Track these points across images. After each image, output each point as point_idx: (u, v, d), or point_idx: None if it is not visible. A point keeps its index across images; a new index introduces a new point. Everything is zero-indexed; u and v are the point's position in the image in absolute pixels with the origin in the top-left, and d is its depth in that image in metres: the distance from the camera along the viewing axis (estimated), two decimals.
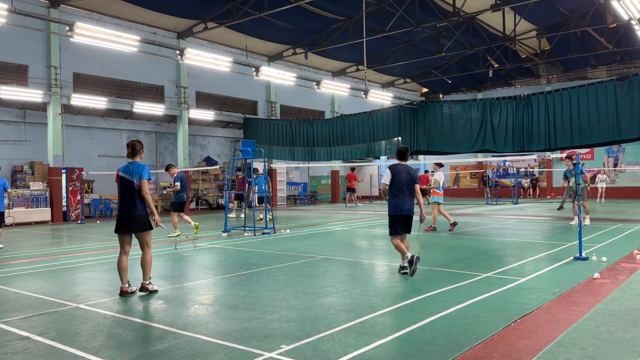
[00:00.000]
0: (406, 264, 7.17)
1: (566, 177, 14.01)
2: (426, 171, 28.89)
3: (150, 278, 6.42)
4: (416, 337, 4.46)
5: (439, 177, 13.48)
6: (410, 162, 7.93)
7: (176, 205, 12.79)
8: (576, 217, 13.64)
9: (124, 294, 6.25)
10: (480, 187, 33.69)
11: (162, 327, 4.90)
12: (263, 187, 16.00)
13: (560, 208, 15.30)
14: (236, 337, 4.53)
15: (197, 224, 12.94)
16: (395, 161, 7.69)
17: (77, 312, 5.56)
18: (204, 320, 5.17)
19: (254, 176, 14.69)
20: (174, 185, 12.63)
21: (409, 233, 7.45)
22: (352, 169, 26.53)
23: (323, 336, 4.50)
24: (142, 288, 6.33)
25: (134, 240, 6.51)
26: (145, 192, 6.27)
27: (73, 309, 5.69)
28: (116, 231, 6.37)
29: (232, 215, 16.09)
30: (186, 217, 13.06)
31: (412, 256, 7.02)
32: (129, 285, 6.34)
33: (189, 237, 11.56)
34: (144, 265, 6.35)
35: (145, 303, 5.97)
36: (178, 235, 11.72)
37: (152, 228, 6.40)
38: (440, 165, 14.14)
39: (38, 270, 8.28)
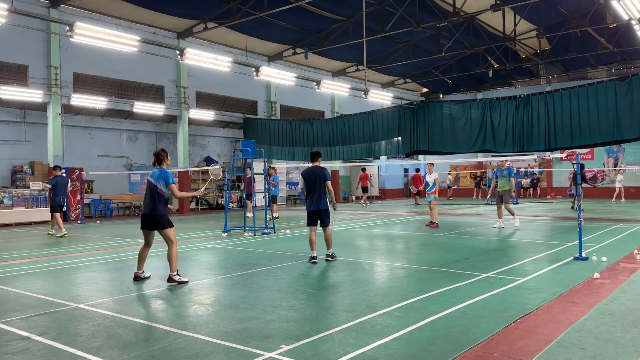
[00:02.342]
0: (315, 255, 8.41)
1: (497, 177, 14.27)
2: (416, 170, 28.94)
3: (177, 270, 6.96)
4: (416, 337, 4.46)
5: (435, 177, 14.35)
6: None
7: (51, 206, 13.86)
8: (500, 220, 13.97)
9: (137, 279, 7.08)
10: (479, 188, 33.65)
11: (162, 327, 4.89)
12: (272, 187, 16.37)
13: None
14: (236, 337, 4.53)
15: (64, 233, 13.47)
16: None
17: (77, 312, 5.56)
18: (204, 320, 5.17)
19: (269, 175, 15.15)
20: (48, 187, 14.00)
21: (326, 225, 8.53)
22: (363, 169, 27.17)
23: (323, 336, 4.50)
24: (169, 279, 6.88)
25: (159, 237, 7.16)
26: (175, 193, 6.95)
27: (73, 309, 5.69)
28: (141, 227, 7.09)
29: (250, 214, 16.11)
30: (59, 220, 13.58)
31: (331, 254, 8.61)
32: (143, 272, 7.16)
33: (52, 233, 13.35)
34: (169, 258, 6.92)
35: (145, 303, 5.97)
36: (64, 235, 13.22)
37: (171, 226, 7.00)
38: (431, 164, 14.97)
39: (38, 270, 8.28)
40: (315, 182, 8.39)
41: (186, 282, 6.87)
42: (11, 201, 17.32)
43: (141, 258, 7.12)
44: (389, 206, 25.93)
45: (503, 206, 13.90)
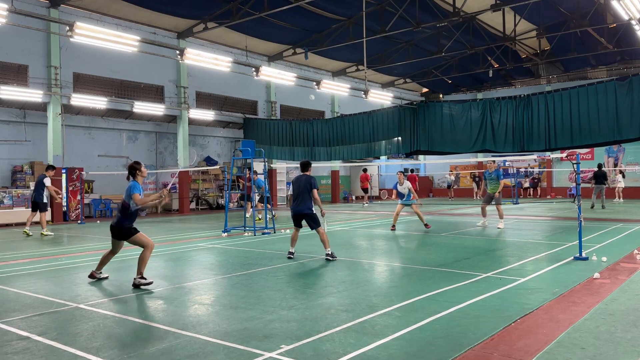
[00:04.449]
0: (293, 251, 9.03)
1: (485, 179, 14.18)
2: (411, 170, 28.97)
3: (142, 273, 6.81)
4: (416, 337, 4.46)
5: (409, 187, 13.80)
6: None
7: (33, 204, 14.15)
8: (484, 219, 14.04)
9: (92, 277, 7.29)
10: (479, 189, 33.66)
11: (162, 327, 4.89)
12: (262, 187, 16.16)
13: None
14: (236, 337, 4.53)
15: (41, 232, 13.73)
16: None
17: (77, 312, 5.56)
18: (204, 320, 5.17)
19: (254, 177, 14.92)
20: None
21: (312, 228, 9.03)
22: (364, 170, 27.55)
23: (323, 336, 4.50)
24: (134, 284, 6.79)
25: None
26: (136, 202, 6.84)
27: (73, 309, 5.69)
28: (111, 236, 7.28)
29: (249, 215, 16.16)
30: (43, 219, 13.93)
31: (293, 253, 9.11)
32: (101, 272, 7.34)
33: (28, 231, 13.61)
34: (139, 260, 6.87)
35: (145, 303, 5.97)
36: (44, 234, 13.53)
37: (135, 233, 6.96)
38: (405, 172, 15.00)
39: (38, 270, 8.28)
40: (302, 189, 8.91)
41: (150, 283, 6.76)
42: (11, 201, 17.33)
43: (102, 261, 7.30)
44: (389, 206, 25.93)
45: (487, 206, 14.05)
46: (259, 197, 16.80)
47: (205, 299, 6.14)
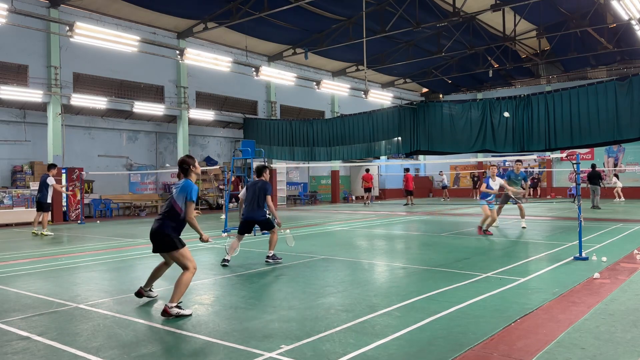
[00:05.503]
0: (229, 259, 8.41)
1: (509, 179, 13.64)
2: (406, 170, 29.08)
3: (180, 302, 5.34)
4: (416, 337, 4.46)
5: (501, 182, 12.83)
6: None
7: (38, 204, 14.13)
8: (496, 220, 13.70)
9: (139, 295, 5.94)
10: (475, 189, 33.67)
11: (162, 327, 4.89)
12: None
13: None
14: (236, 337, 4.53)
15: (41, 232, 13.81)
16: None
17: (77, 312, 5.56)
18: (204, 320, 5.17)
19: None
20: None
21: (266, 231, 8.96)
22: (367, 170, 28.06)
23: (323, 336, 4.50)
24: (164, 311, 5.26)
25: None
26: (188, 214, 5.49)
27: (73, 309, 5.69)
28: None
29: None
30: (44, 219, 13.99)
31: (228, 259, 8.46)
32: (150, 290, 6.05)
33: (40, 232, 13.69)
34: (175, 284, 5.41)
35: (146, 303, 5.97)
36: (44, 234, 13.58)
37: (179, 247, 5.48)
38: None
39: (38, 270, 8.28)
40: (255, 194, 8.60)
41: (189, 315, 5.25)
42: (11, 201, 17.32)
43: (153, 274, 5.96)
44: (389, 206, 25.93)
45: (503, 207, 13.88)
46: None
47: (205, 299, 6.14)
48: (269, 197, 8.59)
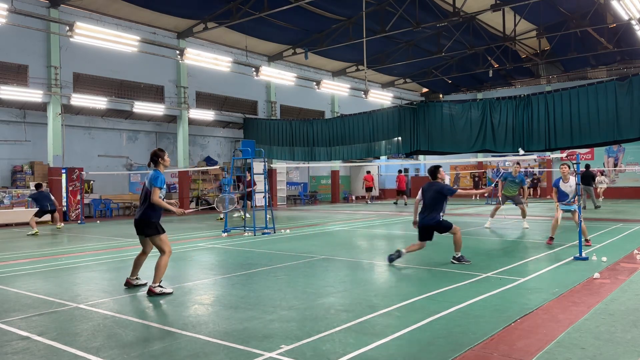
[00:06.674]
0: (404, 252, 8.23)
1: (505, 180, 13.61)
2: (399, 171, 29.14)
3: (161, 281, 6.29)
4: (416, 337, 4.46)
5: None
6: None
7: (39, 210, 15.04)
8: (490, 220, 13.93)
9: (127, 284, 6.72)
10: (477, 189, 33.64)
11: (162, 327, 4.89)
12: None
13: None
14: (236, 337, 4.53)
15: (36, 231, 14.23)
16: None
17: (77, 312, 5.56)
18: (204, 320, 5.17)
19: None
20: None
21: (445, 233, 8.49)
22: (368, 171, 29.27)
23: (323, 336, 4.50)
24: (149, 291, 6.25)
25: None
26: (152, 197, 6.24)
27: (73, 309, 5.69)
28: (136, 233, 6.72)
29: (249, 215, 16.27)
30: (33, 220, 14.42)
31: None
32: (137, 278, 6.77)
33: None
34: (155, 267, 6.29)
35: (145, 303, 5.97)
36: (36, 233, 13.97)
37: (159, 233, 6.35)
38: None
39: (38, 270, 8.28)
40: (433, 198, 8.25)
41: (170, 293, 6.24)
42: (11, 201, 17.32)
43: (135, 264, 6.71)
44: (389, 206, 25.93)
45: (501, 207, 13.90)
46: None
47: (205, 299, 6.14)
48: (449, 197, 8.28)
